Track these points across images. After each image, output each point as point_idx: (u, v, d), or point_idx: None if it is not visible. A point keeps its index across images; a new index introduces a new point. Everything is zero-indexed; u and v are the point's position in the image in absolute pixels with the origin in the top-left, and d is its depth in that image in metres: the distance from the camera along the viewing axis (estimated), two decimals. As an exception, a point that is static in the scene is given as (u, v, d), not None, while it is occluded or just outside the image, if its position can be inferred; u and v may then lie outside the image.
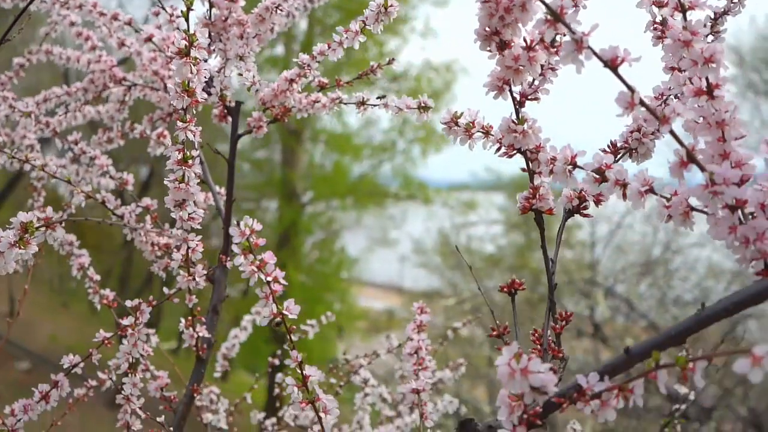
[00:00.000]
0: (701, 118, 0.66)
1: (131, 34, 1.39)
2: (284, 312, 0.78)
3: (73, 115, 1.45)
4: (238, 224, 0.75)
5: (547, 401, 0.64)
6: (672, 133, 0.62)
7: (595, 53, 0.61)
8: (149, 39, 1.25)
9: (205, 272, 1.09)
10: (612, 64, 0.61)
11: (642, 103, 0.61)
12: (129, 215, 1.22)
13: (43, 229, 0.81)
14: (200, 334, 1.15)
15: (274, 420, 1.68)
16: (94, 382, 1.29)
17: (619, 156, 0.83)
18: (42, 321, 9.07)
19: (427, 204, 10.86)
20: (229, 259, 1.22)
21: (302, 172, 10.80)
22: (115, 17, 1.28)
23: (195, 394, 1.18)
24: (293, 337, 0.80)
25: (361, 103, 1.13)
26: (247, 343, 1.81)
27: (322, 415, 0.79)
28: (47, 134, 1.40)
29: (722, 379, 5.78)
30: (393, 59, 1.19)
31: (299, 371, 0.79)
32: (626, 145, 0.82)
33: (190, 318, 1.14)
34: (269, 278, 0.76)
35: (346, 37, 1.07)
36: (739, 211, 0.63)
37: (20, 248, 0.81)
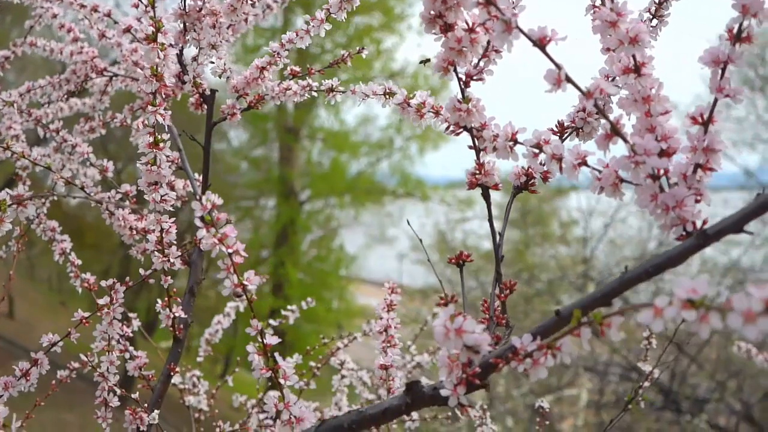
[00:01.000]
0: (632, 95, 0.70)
1: (113, 26, 1.43)
2: (245, 283, 0.81)
3: (57, 107, 1.49)
4: (200, 199, 0.78)
5: (485, 362, 0.68)
6: (597, 107, 0.66)
7: (524, 33, 0.65)
8: (128, 30, 1.29)
9: (179, 253, 1.13)
10: (541, 43, 0.65)
11: (568, 79, 0.65)
12: (108, 200, 1.26)
13: (14, 206, 0.85)
14: (176, 315, 1.19)
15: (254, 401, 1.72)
16: (76, 364, 1.33)
17: (566, 135, 0.87)
18: (41, 320, 9.10)
19: (425, 201, 10.91)
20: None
21: (300, 170, 10.85)
22: (94, 9, 1.31)
23: (172, 373, 1.21)
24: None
25: (330, 90, 1.17)
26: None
27: (281, 381, 0.83)
28: (31, 124, 1.44)
29: (715, 372, 5.82)
30: (362, 48, 1.23)
31: (260, 340, 0.83)
32: (573, 124, 0.86)
33: (166, 299, 1.18)
34: (231, 251, 0.80)
35: (313, 26, 1.11)
36: (664, 181, 0.67)
37: (-6, 226, 0.85)
